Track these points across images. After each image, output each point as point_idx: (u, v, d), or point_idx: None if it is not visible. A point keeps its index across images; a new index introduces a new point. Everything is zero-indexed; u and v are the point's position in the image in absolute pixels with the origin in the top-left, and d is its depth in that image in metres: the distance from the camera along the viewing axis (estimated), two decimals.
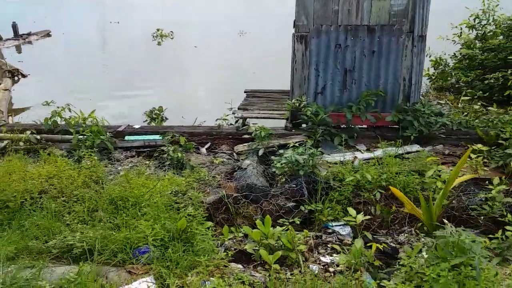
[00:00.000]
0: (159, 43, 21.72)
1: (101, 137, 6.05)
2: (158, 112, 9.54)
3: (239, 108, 7.25)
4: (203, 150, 6.10)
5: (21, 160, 5.78)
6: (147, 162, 5.89)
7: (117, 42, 21.82)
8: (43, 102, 7.01)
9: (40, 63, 16.30)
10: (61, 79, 14.01)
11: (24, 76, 13.46)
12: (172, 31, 22.70)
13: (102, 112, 7.85)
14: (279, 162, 5.20)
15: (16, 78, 13.30)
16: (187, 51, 18.68)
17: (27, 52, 19.60)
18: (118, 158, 6.00)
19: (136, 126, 6.73)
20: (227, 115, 7.21)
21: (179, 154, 5.55)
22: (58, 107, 6.71)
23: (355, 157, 5.62)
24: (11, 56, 17.30)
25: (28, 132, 6.30)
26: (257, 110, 7.18)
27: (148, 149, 6.16)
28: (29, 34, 22.55)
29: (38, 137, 6.25)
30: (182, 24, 25.01)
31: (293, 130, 6.38)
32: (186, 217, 4.13)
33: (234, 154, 5.96)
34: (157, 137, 6.38)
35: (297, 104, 6.38)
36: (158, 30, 22.63)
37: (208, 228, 4.20)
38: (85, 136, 6.06)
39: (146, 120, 9.36)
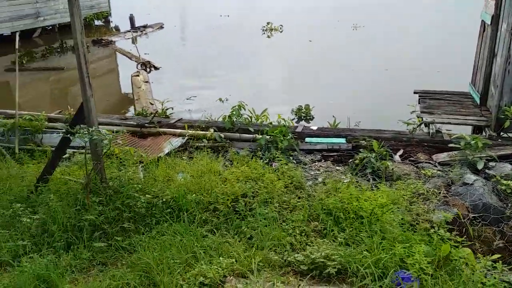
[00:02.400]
0: (268, 37, 21.57)
1: (287, 139, 5.76)
2: (305, 110, 9.21)
3: (422, 112, 6.62)
4: (397, 157, 5.58)
5: (212, 159, 5.67)
6: (338, 168, 5.51)
7: (228, 35, 21.96)
8: (217, 99, 6.86)
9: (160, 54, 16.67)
10: (187, 71, 14.28)
11: (156, 68, 13.87)
12: (281, 25, 22.44)
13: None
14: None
15: (148, 70, 13.73)
16: (304, 46, 18.20)
17: (143, 44, 20.14)
18: (304, 162, 5.68)
19: (314, 128, 6.37)
20: (409, 119, 6.61)
21: (382, 162, 5.08)
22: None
23: None
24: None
25: (212, 130, 6.19)
26: (444, 114, 6.50)
27: (336, 153, 5.76)
28: (145, 27, 23.53)
29: (222, 135, 6.12)
30: (286, 17, 24.69)
31: (499, 140, 5.64)
32: (442, 240, 3.64)
33: (437, 164, 5.36)
34: (342, 140, 5.97)
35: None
36: (268, 23, 22.50)
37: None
38: (270, 137, 5.81)
39: (294, 119, 9.05)
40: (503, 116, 5.73)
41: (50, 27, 22.72)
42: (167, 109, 7.17)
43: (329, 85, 12.00)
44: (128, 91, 12.13)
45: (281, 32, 22.22)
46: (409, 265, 3.44)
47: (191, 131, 6.28)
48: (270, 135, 5.80)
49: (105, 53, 18.33)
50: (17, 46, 6.59)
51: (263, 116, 6.57)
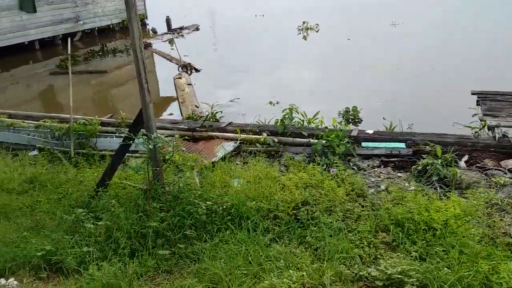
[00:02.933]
0: (304, 37, 21.32)
1: (344, 143, 5.59)
2: (353, 113, 8.98)
3: (484, 115, 6.32)
4: (462, 163, 5.32)
5: (267, 164, 5.57)
6: (400, 174, 5.30)
7: (265, 35, 21.83)
8: (267, 102, 6.73)
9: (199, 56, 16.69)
10: (227, 73, 14.25)
11: (197, 70, 13.91)
12: (317, 24, 22.15)
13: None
14: None
15: (189, 72, 13.78)
16: (342, 46, 17.81)
17: (180, 45, 20.10)
18: (363, 168, 5.49)
19: (370, 132, 6.17)
20: (471, 123, 6.30)
21: (451, 169, 4.84)
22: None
23: None
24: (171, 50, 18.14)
25: (265, 134, 6.09)
26: (508, 117, 6.18)
27: (396, 159, 5.55)
28: (181, 28, 23.74)
29: (276, 139, 6.01)
30: (318, 15, 24.34)
31: None
32: None
33: (507, 171, 5.08)
34: (401, 145, 5.75)
35: None
36: (303, 23, 22.25)
37: None
38: (326, 141, 5.66)
39: (341, 121, 8.82)
40: None
41: (90, 30, 23.27)
42: (216, 112, 7.12)
43: (372, 85, 11.69)
44: (168, 93, 12.27)
45: (317, 31, 21.92)
46: (494, 284, 3.22)
47: (243, 135, 6.20)
48: (326, 139, 5.64)
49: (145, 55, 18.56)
50: (69, 51, 6.69)
51: (315, 119, 6.42)
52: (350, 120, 8.88)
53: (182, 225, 4.34)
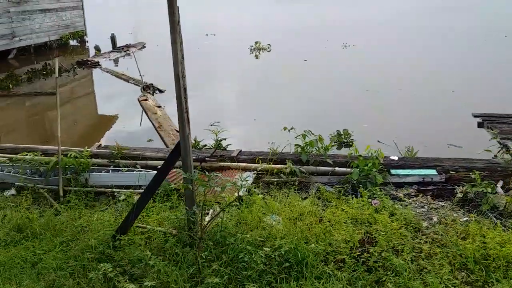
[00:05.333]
0: (256, 57, 21.18)
1: (384, 173, 5.27)
2: (345, 136, 8.77)
3: (502, 138, 6.32)
4: (499, 189, 5.20)
5: (297, 196, 5.08)
6: (443, 204, 5.05)
7: (215, 55, 21.41)
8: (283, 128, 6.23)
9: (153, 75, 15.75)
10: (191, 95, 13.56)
11: (161, 91, 13.06)
12: (269, 44, 22.13)
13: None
14: None
15: (152, 93, 12.92)
16: (300, 66, 17.80)
17: (127, 65, 18.92)
18: (399, 197, 5.18)
19: (395, 158, 5.91)
20: (490, 147, 6.25)
21: (505, 198, 4.66)
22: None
23: None
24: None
25: (290, 163, 5.60)
26: None
27: (432, 187, 5.31)
28: (128, 46, 22.61)
29: (303, 169, 5.55)
30: (269, 33, 24.50)
31: None
32: None
33: None
34: (432, 171, 5.54)
35: None
36: (256, 43, 22.12)
37: None
38: (360, 170, 5.29)
39: (333, 145, 8.51)
40: None
41: (26, 47, 21.40)
42: (221, 140, 6.51)
43: (348, 107, 11.65)
44: (120, 114, 11.52)
45: (269, 51, 21.90)
46: None
47: (264, 164, 5.67)
48: (361, 168, 5.28)
49: (82, 74, 17.36)
50: (56, 73, 5.78)
51: (332, 146, 6.07)
52: (343, 144, 8.65)
53: (237, 277, 3.73)
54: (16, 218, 4.84)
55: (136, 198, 5.42)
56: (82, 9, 25.42)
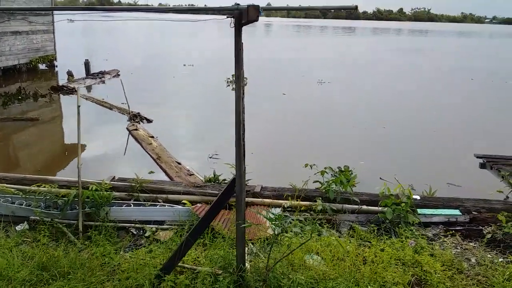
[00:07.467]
0: (233, 89, 21.26)
1: (417, 214, 5.36)
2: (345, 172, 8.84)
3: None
4: None
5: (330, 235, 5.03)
6: (473, 244, 5.15)
7: (193, 86, 21.31)
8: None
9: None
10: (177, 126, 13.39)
11: (149, 121, 12.77)
12: (246, 77, 22.31)
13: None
14: None
15: (139, 123, 12.62)
16: (276, 100, 17.92)
17: (102, 92, 18.40)
18: (429, 237, 5.25)
19: (417, 197, 6.02)
20: (503, 188, 6.50)
21: None
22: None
23: None
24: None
25: (320, 200, 5.57)
26: None
27: (459, 227, 5.43)
28: (102, 73, 22.13)
29: (335, 207, 5.53)
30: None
31: None
32: None
33: None
34: (456, 212, 5.67)
35: None
36: (233, 75, 22.23)
37: None
38: (389, 208, 5.34)
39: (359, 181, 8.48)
40: None
41: None
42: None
43: (342, 142, 11.87)
44: (97, 143, 10.98)
45: (245, 84, 22.00)
46: None
47: (293, 201, 5.62)
48: (393, 207, 5.33)
49: (56, 99, 16.78)
50: (78, 102, 5.53)
51: (356, 183, 6.12)
52: (348, 180, 8.71)
53: None
54: (39, 256, 4.50)
55: (162, 234, 5.21)
56: (53, 32, 24.85)
